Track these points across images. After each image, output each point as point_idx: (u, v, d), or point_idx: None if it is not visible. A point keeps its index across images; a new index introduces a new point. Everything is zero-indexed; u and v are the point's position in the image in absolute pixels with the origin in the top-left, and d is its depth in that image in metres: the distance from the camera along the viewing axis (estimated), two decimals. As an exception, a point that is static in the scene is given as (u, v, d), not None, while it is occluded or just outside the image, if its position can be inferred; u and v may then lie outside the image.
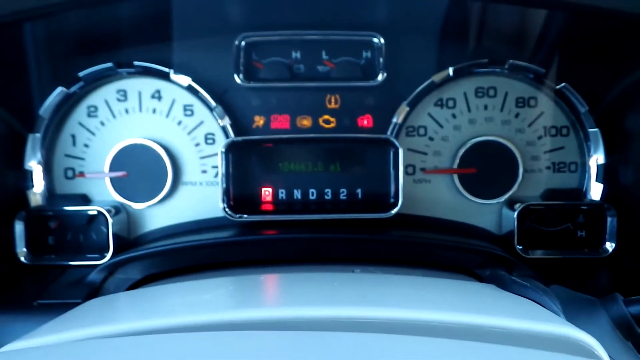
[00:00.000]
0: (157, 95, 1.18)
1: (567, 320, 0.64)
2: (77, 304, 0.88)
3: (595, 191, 1.16)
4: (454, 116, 1.19)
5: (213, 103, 1.15)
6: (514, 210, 1.14)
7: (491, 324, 0.56)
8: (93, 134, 1.18)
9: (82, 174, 1.18)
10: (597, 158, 1.16)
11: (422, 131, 1.19)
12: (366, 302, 0.62)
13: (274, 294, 0.75)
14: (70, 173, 1.19)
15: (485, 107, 1.18)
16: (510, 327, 0.56)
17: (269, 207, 1.18)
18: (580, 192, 1.18)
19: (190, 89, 1.15)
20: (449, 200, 1.20)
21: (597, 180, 1.16)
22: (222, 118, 1.16)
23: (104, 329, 0.60)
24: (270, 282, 0.82)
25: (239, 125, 1.18)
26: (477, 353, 0.49)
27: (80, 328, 0.61)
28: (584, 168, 1.18)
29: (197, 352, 0.49)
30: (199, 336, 0.53)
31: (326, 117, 1.18)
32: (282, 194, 1.18)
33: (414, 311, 0.58)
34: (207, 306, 0.69)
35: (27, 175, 1.15)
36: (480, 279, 0.98)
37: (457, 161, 1.17)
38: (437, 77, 1.15)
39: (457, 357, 0.48)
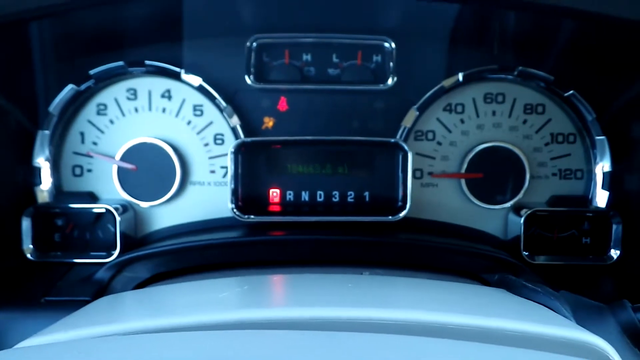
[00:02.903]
0: (167, 95, 1.18)
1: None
2: (85, 302, 0.88)
3: (601, 198, 1.17)
4: (462, 121, 1.19)
5: (223, 103, 1.16)
6: (520, 216, 1.14)
7: (505, 327, 0.57)
8: (102, 132, 1.19)
9: (94, 149, 1.17)
10: (603, 165, 1.17)
11: (430, 136, 1.20)
12: (380, 304, 0.62)
13: (287, 295, 0.75)
14: (78, 171, 1.19)
15: (494, 113, 1.19)
16: (524, 330, 0.56)
17: (277, 209, 1.18)
18: (586, 199, 1.19)
19: (200, 89, 1.16)
20: (455, 204, 1.20)
21: (602, 187, 1.17)
22: (231, 118, 1.16)
23: (115, 328, 0.60)
24: (282, 282, 0.82)
25: (249, 126, 1.18)
26: (493, 355, 0.49)
27: (92, 326, 0.61)
28: (590, 175, 1.19)
29: (214, 352, 0.50)
30: (214, 335, 0.53)
31: (335, 119, 1.19)
32: (290, 195, 1.18)
33: (427, 313, 0.58)
34: (220, 306, 0.69)
35: (35, 172, 1.15)
36: (487, 283, 0.99)
37: (464, 166, 1.18)
38: (446, 82, 1.15)
39: (470, 358, 0.48)
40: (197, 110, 1.19)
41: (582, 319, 0.79)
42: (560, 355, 0.50)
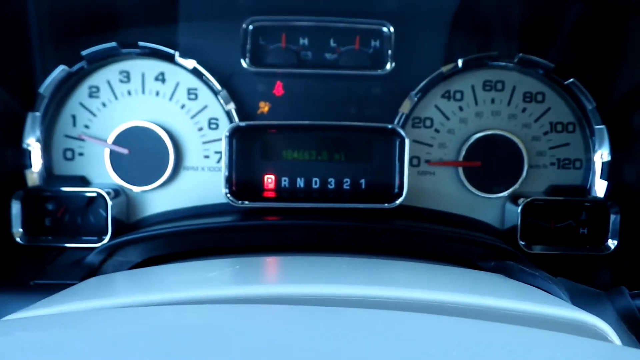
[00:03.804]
0: (160, 78, 1.16)
1: (576, 309, 0.64)
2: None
3: (599, 188, 1.16)
4: (460, 109, 1.18)
5: (218, 87, 1.14)
6: (517, 205, 1.13)
7: (505, 307, 0.56)
8: (94, 114, 1.16)
9: (86, 132, 1.15)
10: (602, 155, 1.15)
11: (428, 123, 1.18)
12: (379, 283, 0.61)
13: (281, 273, 0.74)
14: (69, 154, 1.17)
15: (493, 101, 1.18)
16: (524, 310, 0.55)
17: (271, 194, 1.16)
18: (584, 189, 1.18)
19: (195, 72, 1.14)
20: (452, 193, 1.19)
21: (601, 177, 1.16)
22: (226, 103, 1.14)
23: (101, 303, 0.58)
24: (278, 263, 0.80)
25: (244, 110, 1.16)
26: (494, 332, 0.48)
27: (80, 301, 0.60)
28: (588, 165, 1.18)
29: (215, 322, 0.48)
30: (205, 308, 0.52)
31: (332, 105, 1.17)
32: (284, 181, 1.17)
33: (426, 292, 0.57)
34: (211, 283, 0.67)
35: (25, 154, 1.13)
36: (482, 270, 0.97)
37: (462, 154, 1.16)
38: (445, 69, 1.14)
39: (475, 335, 0.47)
40: (192, 93, 1.17)
41: (580, 304, 0.77)
42: (560, 333, 0.49)
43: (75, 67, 1.12)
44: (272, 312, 0.50)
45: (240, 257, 0.86)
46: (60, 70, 1.11)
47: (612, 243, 1.13)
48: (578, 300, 0.79)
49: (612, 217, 1.12)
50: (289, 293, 0.55)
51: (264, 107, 1.17)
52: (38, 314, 0.54)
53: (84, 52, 1.11)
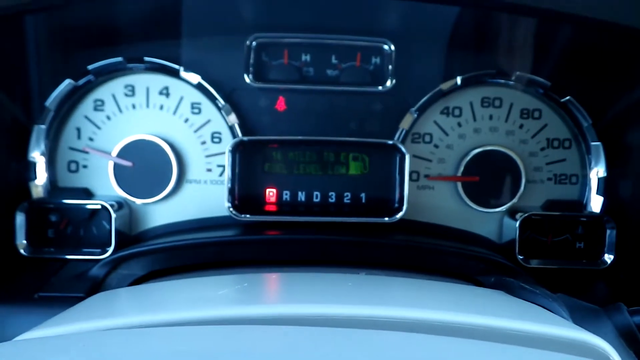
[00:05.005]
0: (165, 92, 1.18)
1: (575, 327, 0.65)
2: (79, 298, 0.87)
3: (595, 203, 1.18)
4: (459, 125, 1.20)
5: (221, 102, 1.15)
6: (515, 219, 1.15)
7: (506, 326, 0.57)
8: (98, 127, 1.18)
9: (90, 144, 1.16)
10: (597, 171, 1.18)
11: (427, 138, 1.20)
12: (381, 302, 0.62)
13: (288, 292, 0.75)
14: (73, 166, 1.18)
15: (491, 117, 1.20)
16: (525, 329, 0.57)
17: (273, 208, 1.18)
18: (581, 204, 1.20)
19: (199, 87, 1.15)
20: (451, 207, 1.21)
21: (597, 192, 1.18)
22: (229, 117, 1.16)
23: (113, 322, 0.59)
24: (281, 280, 0.82)
25: (246, 125, 1.18)
26: (496, 353, 0.49)
27: (89, 321, 0.61)
28: (584, 180, 1.20)
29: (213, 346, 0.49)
30: (212, 330, 0.53)
31: (333, 120, 1.19)
32: (286, 195, 1.18)
33: (428, 311, 0.58)
34: (217, 302, 0.69)
35: (30, 167, 1.14)
36: (482, 286, 0.99)
37: (461, 169, 1.18)
38: (445, 86, 1.16)
39: (475, 356, 0.48)
40: (195, 108, 1.18)
41: (579, 321, 0.79)
42: (561, 354, 0.50)
43: (81, 81, 1.13)
44: (278, 333, 0.51)
45: (244, 274, 0.87)
46: (66, 84, 1.12)
47: (608, 257, 1.15)
48: (577, 316, 0.80)
49: (608, 231, 1.14)
50: (293, 313, 0.57)
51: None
52: (53, 332, 0.55)
53: (90, 67, 1.13)
